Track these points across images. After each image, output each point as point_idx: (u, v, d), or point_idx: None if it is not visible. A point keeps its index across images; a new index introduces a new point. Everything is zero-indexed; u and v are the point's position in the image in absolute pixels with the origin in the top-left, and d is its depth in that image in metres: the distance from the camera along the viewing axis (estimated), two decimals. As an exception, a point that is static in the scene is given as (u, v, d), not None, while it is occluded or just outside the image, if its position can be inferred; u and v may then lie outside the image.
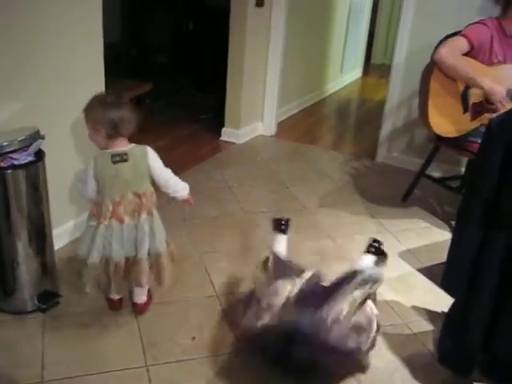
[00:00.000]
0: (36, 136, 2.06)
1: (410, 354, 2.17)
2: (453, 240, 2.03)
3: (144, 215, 2.06)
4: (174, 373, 1.98)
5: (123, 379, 1.93)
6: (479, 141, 1.96)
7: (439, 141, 3.20)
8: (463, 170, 3.71)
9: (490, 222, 1.82)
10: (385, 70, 5.68)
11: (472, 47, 2.90)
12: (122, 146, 2.02)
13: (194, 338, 2.15)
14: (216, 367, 2.02)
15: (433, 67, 2.98)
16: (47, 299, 2.22)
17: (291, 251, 2.43)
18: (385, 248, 2.27)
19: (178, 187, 2.20)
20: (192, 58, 5.75)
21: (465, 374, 2.02)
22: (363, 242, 2.96)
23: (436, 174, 3.65)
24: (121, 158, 1.99)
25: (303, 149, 4.42)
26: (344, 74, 6.77)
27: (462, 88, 2.95)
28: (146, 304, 2.29)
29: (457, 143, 3.07)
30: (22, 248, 2.12)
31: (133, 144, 2.06)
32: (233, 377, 2.00)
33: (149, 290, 2.30)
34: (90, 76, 2.62)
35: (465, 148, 3.03)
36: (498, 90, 2.82)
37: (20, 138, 1.98)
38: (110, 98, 2.00)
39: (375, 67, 7.96)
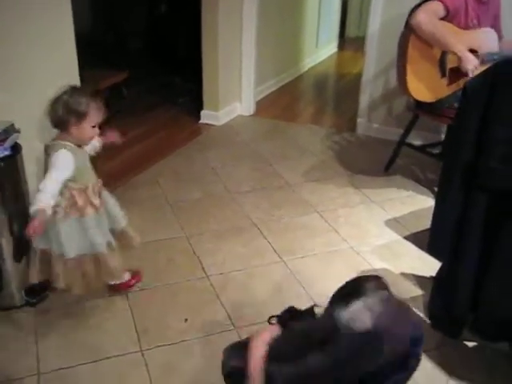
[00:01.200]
0: (11, 130, 2.03)
1: (401, 320, 2.20)
2: (436, 205, 2.05)
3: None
4: (169, 355, 1.99)
5: (119, 365, 1.94)
6: (457, 106, 1.98)
7: (418, 108, 3.21)
8: (443, 136, 3.74)
9: (471, 184, 1.85)
10: (360, 43, 5.66)
11: (448, 12, 2.90)
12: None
13: (186, 320, 2.16)
14: (210, 347, 2.04)
15: (410, 33, 2.97)
16: (36, 293, 2.20)
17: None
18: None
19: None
20: (167, 41, 5.69)
21: (455, 334, 2.06)
22: (349, 214, 3.00)
23: (417, 142, 3.67)
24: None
25: (283, 126, 4.41)
26: (319, 49, 6.75)
27: (439, 53, 2.96)
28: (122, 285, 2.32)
29: (435, 110, 3.09)
30: (6, 243, 2.09)
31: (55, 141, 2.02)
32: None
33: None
34: (63, 69, 2.57)
35: (443, 114, 3.05)
36: (470, 58, 2.85)
37: (-5, 133, 1.96)
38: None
39: (350, 41, 7.94)
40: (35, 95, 2.43)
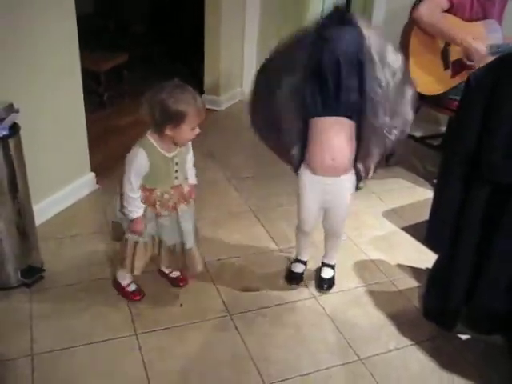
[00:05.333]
0: (10, 110, 2.01)
1: (396, 311, 2.21)
2: (435, 197, 2.05)
3: None
4: (163, 340, 2.00)
5: (113, 348, 1.94)
6: (459, 98, 1.96)
7: (420, 100, 3.17)
8: (444, 128, 3.72)
9: (471, 177, 1.84)
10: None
11: (452, 5, 2.88)
12: None
13: (181, 305, 2.16)
14: (204, 332, 2.05)
15: (412, 25, 2.95)
16: (31, 274, 2.20)
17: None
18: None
19: None
20: (169, 25, 5.64)
21: (449, 327, 2.06)
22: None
23: (417, 134, 3.64)
24: None
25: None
26: (323, 37, 6.69)
27: (442, 45, 2.94)
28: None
29: (437, 101, 3.07)
30: (3, 224, 2.09)
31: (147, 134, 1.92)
32: (221, 341, 2.02)
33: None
34: (64, 50, 2.56)
35: (445, 106, 3.03)
36: (479, 48, 2.81)
37: (-7, 112, 1.94)
38: None
39: (354, 29, 7.87)
40: (35, 73, 2.42)
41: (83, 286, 2.24)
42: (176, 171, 1.95)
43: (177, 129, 1.82)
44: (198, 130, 1.88)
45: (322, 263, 2.38)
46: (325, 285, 2.32)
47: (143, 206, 1.93)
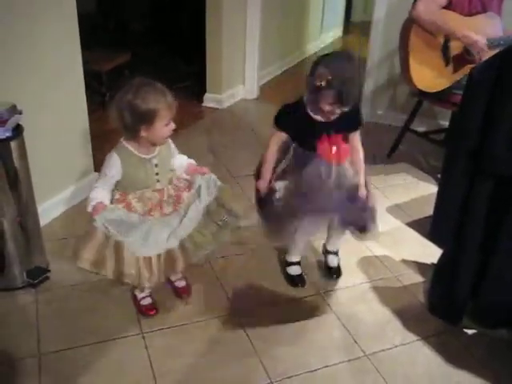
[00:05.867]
0: (13, 111, 2.01)
1: (402, 306, 2.20)
2: (439, 191, 2.05)
3: None
4: (169, 338, 2.00)
5: (120, 348, 1.95)
6: (462, 92, 1.96)
7: (422, 95, 3.18)
8: (447, 123, 3.71)
9: (475, 171, 1.83)
10: (365, 28, 5.60)
11: (450, 1, 2.87)
12: None
13: (186, 304, 2.17)
14: (210, 330, 2.05)
15: (411, 23, 2.95)
16: (36, 274, 2.21)
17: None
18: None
19: None
20: (170, 24, 5.65)
21: (455, 322, 2.06)
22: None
23: (420, 129, 3.64)
24: None
25: (287, 111, 4.37)
26: (324, 33, 6.69)
27: (441, 41, 2.93)
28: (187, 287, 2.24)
29: (440, 96, 3.06)
30: (8, 225, 2.10)
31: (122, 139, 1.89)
32: (227, 339, 2.02)
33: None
34: (65, 49, 2.56)
35: (448, 101, 3.02)
36: (477, 39, 2.81)
37: (-4, 114, 1.94)
38: None
39: (355, 25, 7.85)
40: (36, 74, 2.42)
41: (88, 286, 2.24)
42: (157, 174, 1.88)
43: (151, 128, 1.77)
44: (173, 126, 1.82)
45: (326, 251, 2.37)
46: (334, 274, 2.33)
47: (104, 195, 1.83)
